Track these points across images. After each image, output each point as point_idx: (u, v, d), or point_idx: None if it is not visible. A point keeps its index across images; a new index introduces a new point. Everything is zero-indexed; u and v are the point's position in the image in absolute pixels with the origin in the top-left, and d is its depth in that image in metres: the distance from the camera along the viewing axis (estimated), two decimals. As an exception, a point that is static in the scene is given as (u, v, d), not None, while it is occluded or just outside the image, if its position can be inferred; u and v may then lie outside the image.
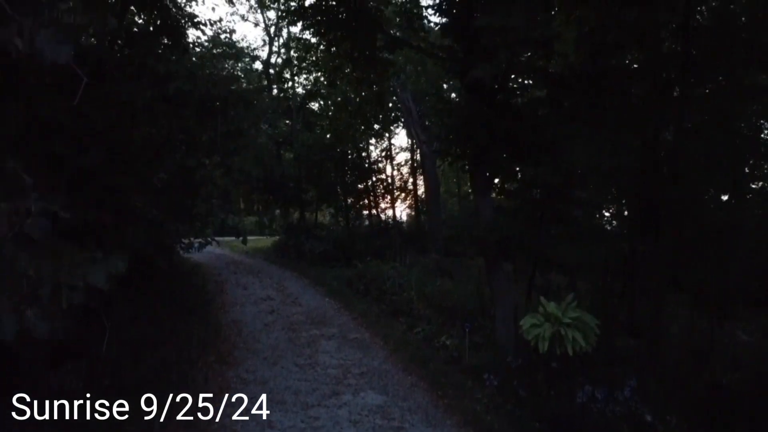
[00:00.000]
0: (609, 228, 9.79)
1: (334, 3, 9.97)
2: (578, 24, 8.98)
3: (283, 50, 19.80)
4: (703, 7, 9.38)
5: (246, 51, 20.80)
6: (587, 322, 6.75)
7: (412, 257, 19.22)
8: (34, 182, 4.01)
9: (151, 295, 9.67)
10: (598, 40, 8.85)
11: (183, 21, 7.80)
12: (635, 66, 9.42)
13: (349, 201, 22.95)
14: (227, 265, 17.81)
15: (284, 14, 9.85)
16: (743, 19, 8.19)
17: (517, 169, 8.62)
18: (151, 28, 8.41)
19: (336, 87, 13.07)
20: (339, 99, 14.06)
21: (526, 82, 9.06)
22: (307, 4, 10.39)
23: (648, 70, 9.07)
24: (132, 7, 8.07)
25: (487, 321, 10.02)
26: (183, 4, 8.80)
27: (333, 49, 10.63)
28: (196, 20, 7.84)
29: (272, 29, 20.34)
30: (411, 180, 29.05)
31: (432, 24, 10.56)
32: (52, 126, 6.84)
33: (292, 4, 10.28)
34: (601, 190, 7.44)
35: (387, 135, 25.75)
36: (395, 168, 29.07)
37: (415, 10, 10.43)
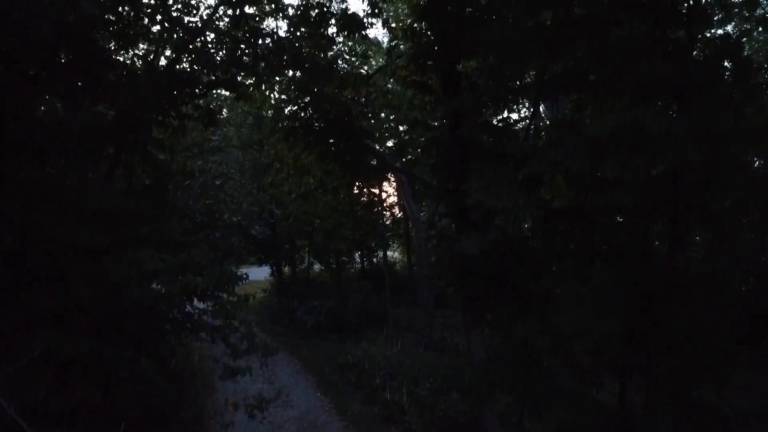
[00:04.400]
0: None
1: (323, 124, 9.92)
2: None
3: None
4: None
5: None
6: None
7: (404, 323, 19.28)
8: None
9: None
10: (589, 178, 8.90)
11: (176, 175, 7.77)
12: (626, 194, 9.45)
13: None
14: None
15: (274, 132, 9.78)
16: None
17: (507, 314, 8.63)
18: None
19: (327, 188, 13.08)
20: (329, 197, 14.09)
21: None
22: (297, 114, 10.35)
23: (639, 205, 9.12)
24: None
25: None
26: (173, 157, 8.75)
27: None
28: (187, 171, 7.82)
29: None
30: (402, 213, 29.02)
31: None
32: (44, 315, 6.81)
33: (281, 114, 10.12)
34: (591, 357, 7.47)
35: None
36: (386, 209, 29.05)
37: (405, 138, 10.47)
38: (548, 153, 6.96)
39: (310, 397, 12.93)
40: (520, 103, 9.08)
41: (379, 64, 11.74)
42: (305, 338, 17.45)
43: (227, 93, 8.39)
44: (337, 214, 15.18)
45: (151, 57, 7.89)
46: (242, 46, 7.25)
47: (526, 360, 8.92)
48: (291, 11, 8.06)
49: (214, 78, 7.68)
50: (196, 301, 9.77)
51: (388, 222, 27.92)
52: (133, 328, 7.71)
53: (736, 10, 10.38)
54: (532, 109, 8.50)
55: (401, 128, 13.06)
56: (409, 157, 11.53)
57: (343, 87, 8.39)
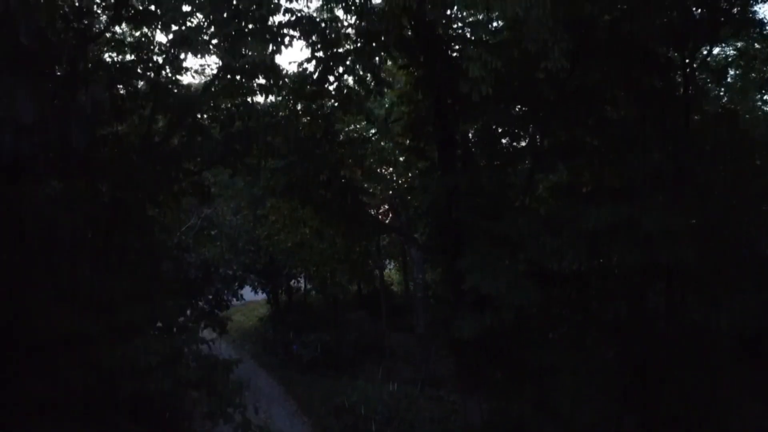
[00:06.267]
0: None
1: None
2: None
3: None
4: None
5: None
6: None
7: (401, 352, 19.21)
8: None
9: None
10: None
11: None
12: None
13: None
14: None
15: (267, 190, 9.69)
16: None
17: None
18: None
19: (323, 237, 13.05)
20: (325, 246, 14.06)
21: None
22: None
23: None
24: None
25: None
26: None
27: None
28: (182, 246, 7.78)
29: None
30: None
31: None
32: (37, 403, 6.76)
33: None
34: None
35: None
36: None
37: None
38: (545, 239, 6.94)
39: (307, 445, 12.89)
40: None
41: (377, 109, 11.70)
42: (301, 373, 17.34)
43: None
44: (333, 261, 15.17)
45: (146, 128, 7.83)
46: (238, 122, 7.18)
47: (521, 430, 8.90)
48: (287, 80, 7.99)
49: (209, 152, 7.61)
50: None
51: (384, 242, 27.83)
52: (127, 407, 7.66)
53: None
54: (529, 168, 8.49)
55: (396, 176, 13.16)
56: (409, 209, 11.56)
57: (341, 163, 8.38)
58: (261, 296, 24.31)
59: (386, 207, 17.64)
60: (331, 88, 8.23)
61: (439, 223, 8.64)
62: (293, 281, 21.90)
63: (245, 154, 7.26)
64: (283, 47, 6.12)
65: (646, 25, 6.04)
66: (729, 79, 9.78)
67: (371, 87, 7.54)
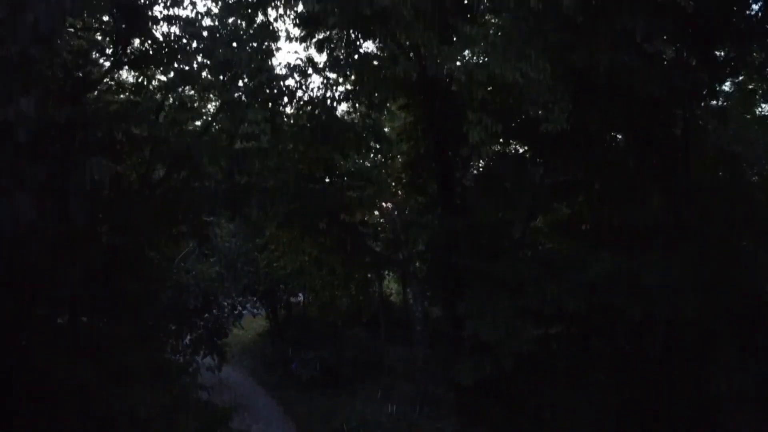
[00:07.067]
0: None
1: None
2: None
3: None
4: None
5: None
6: None
7: (399, 368, 19.17)
8: None
9: None
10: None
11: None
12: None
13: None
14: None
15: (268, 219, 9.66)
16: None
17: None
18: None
19: (322, 264, 13.04)
20: (324, 272, 14.04)
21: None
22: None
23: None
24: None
25: None
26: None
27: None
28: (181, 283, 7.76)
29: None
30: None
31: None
32: None
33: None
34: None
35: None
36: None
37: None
38: (544, 285, 6.95)
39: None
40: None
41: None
42: (300, 392, 17.27)
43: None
44: (332, 288, 15.16)
45: (144, 170, 7.81)
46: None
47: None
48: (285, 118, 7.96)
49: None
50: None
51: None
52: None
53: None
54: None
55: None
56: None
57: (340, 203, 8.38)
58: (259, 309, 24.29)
59: (383, 221, 17.59)
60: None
61: (438, 261, 8.65)
62: (292, 297, 21.81)
63: (244, 205, 7.27)
64: (281, 108, 6.12)
65: (645, 82, 6.03)
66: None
67: (371, 146, 7.58)
